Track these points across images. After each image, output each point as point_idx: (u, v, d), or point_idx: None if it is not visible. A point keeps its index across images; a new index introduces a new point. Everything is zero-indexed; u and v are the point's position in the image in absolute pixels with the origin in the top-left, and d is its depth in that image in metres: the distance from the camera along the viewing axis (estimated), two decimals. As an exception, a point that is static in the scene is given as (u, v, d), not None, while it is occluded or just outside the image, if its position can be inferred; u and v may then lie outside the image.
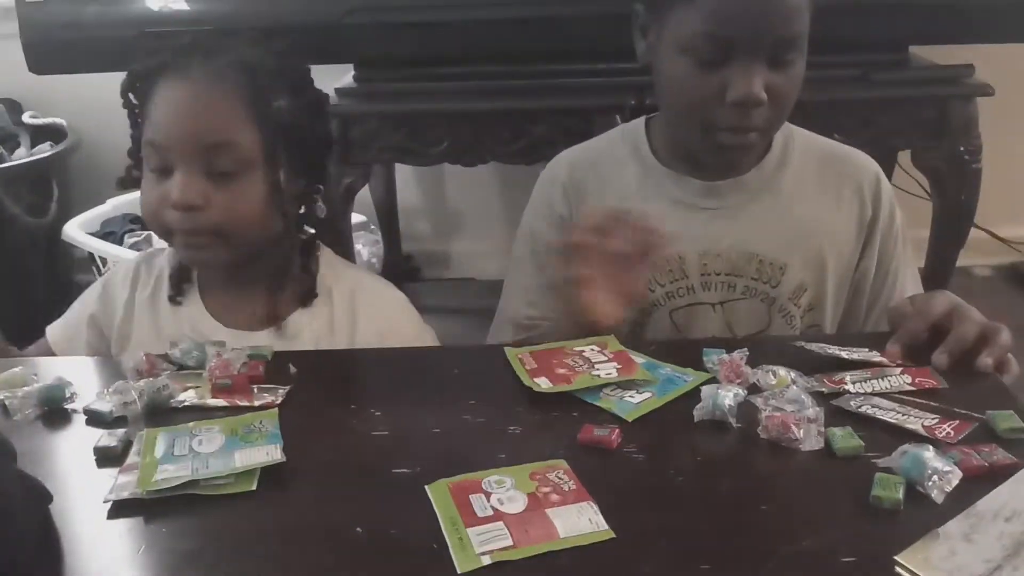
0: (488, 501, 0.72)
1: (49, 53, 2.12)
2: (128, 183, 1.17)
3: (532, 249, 1.26)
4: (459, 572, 0.65)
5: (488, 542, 0.67)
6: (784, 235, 1.17)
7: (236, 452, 0.79)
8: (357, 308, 1.17)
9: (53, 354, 1.19)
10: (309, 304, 1.16)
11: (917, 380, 0.90)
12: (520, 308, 1.25)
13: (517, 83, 2.09)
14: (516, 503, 0.72)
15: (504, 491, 0.74)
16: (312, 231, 1.19)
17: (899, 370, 0.92)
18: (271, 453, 0.78)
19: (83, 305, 1.23)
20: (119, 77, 1.12)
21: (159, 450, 0.80)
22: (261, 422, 0.84)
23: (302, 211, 1.17)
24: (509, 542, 0.67)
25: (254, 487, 0.75)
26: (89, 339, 1.20)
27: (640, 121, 1.26)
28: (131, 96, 1.12)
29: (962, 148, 2.05)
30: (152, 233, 1.73)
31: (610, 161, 1.24)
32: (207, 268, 1.17)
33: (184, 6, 2.08)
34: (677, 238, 1.13)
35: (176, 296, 1.17)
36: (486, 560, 0.66)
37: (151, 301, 1.19)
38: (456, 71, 2.10)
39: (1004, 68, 2.11)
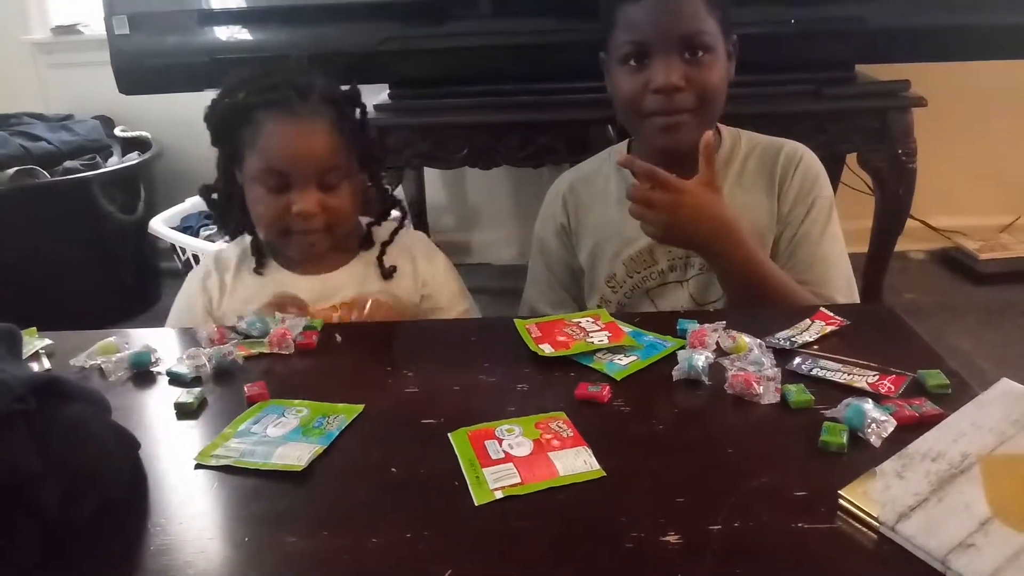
0: (500, 446, 0.73)
1: (136, 77, 2.13)
2: (211, 191, 1.21)
3: (541, 251, 1.32)
4: (476, 503, 0.65)
5: (500, 480, 0.68)
6: None
7: (285, 446, 0.74)
8: (416, 259, 1.25)
9: None
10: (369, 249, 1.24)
11: (828, 323, 0.94)
12: (538, 300, 1.31)
13: (525, 99, 2.09)
14: (524, 448, 0.72)
15: (514, 438, 0.74)
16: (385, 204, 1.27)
17: (817, 321, 0.95)
18: (302, 456, 0.72)
19: (189, 298, 1.23)
20: (195, 95, 1.13)
21: (247, 423, 0.79)
22: (334, 418, 0.79)
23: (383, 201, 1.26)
24: (518, 480, 0.68)
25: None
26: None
27: (624, 144, 1.31)
28: (218, 124, 1.15)
29: (900, 151, 2.04)
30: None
31: (600, 178, 1.29)
32: (310, 257, 1.20)
33: (248, 36, 2.08)
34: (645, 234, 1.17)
35: (259, 269, 1.22)
36: (499, 495, 0.66)
37: (236, 278, 1.22)
38: (474, 89, 2.10)
39: (935, 83, 2.09)
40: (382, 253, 1.23)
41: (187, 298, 1.23)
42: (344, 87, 1.18)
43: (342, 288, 1.18)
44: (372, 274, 1.22)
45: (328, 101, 1.14)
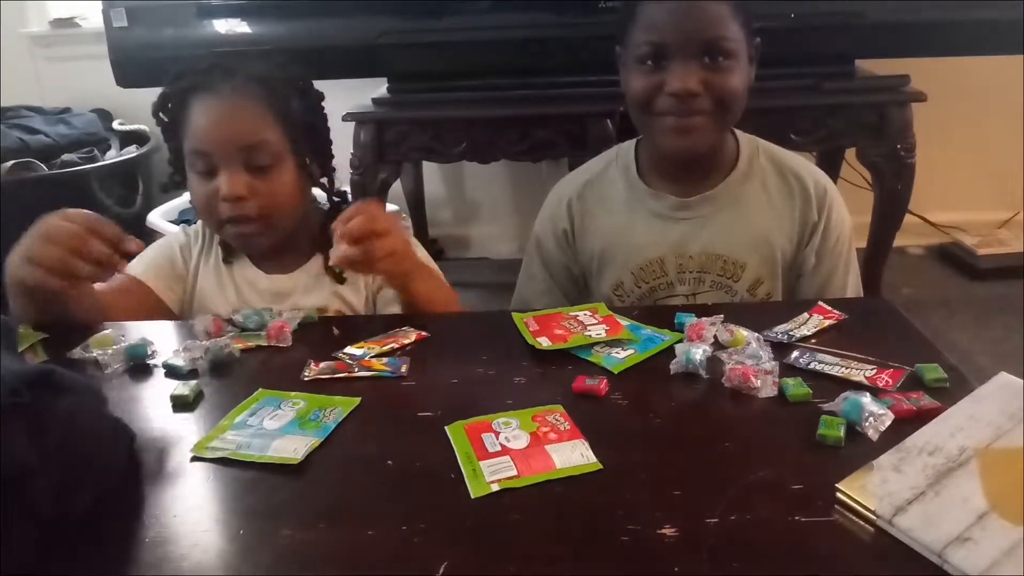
0: (497, 439, 0.72)
1: (134, 70, 2.12)
2: (170, 187, 1.19)
3: (539, 252, 1.30)
4: (472, 496, 0.65)
5: (497, 472, 0.67)
6: (744, 239, 1.17)
7: (282, 439, 0.74)
8: None
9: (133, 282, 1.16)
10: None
11: (826, 317, 0.94)
12: (536, 300, 1.28)
13: (523, 93, 2.09)
14: (520, 440, 0.72)
15: (510, 430, 0.74)
16: (337, 200, 1.23)
17: (815, 315, 0.95)
18: (299, 449, 0.72)
19: (167, 250, 1.21)
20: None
21: (243, 415, 0.78)
22: (331, 411, 0.79)
23: (329, 190, 1.21)
24: (514, 472, 0.67)
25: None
26: (166, 275, 1.19)
27: (631, 144, 1.27)
28: (162, 115, 1.14)
29: (899, 146, 2.04)
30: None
31: (605, 182, 1.26)
32: (254, 251, 1.18)
33: (246, 29, 2.08)
34: (657, 244, 1.19)
35: (228, 258, 1.20)
36: (495, 487, 0.66)
37: (207, 263, 1.20)
38: (472, 83, 2.10)
39: (935, 78, 2.09)
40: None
41: (168, 250, 1.21)
42: (292, 74, 1.15)
43: (294, 290, 1.17)
44: (325, 276, 1.18)
45: (259, 81, 1.10)
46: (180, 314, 1.17)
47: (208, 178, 1.09)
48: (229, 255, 1.19)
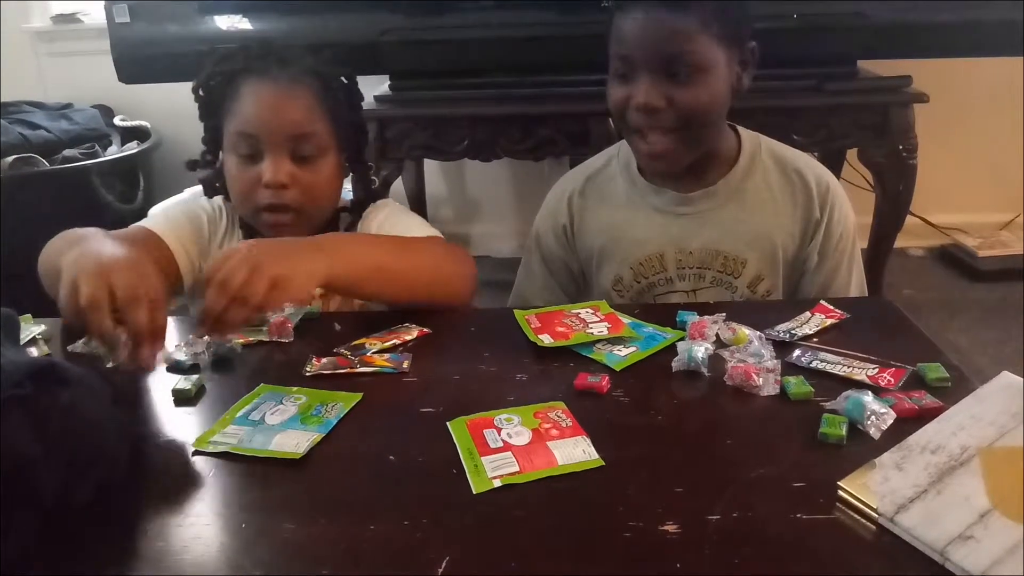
0: (499, 435, 0.72)
1: (135, 66, 2.12)
2: (199, 165, 1.18)
3: (539, 247, 1.29)
4: (474, 492, 0.65)
5: (499, 468, 0.67)
6: (745, 236, 1.17)
7: (283, 433, 0.74)
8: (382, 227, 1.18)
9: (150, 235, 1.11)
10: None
11: (828, 316, 0.94)
12: (535, 297, 1.28)
13: (525, 91, 2.09)
14: (522, 437, 0.72)
15: (512, 427, 0.74)
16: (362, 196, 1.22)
17: (817, 314, 0.95)
18: (300, 444, 0.72)
19: (193, 213, 1.18)
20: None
21: (245, 409, 0.79)
22: (333, 406, 0.79)
23: (364, 188, 1.21)
24: (516, 468, 0.67)
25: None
26: (187, 238, 1.15)
27: None
28: (203, 92, 1.13)
29: (901, 147, 2.04)
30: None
31: (606, 178, 1.26)
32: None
33: (248, 25, 2.07)
34: (657, 239, 1.19)
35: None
36: (497, 483, 0.66)
37: (225, 238, 1.19)
38: (474, 81, 2.09)
39: (937, 79, 2.09)
40: None
41: (194, 214, 1.17)
42: (344, 71, 1.16)
43: None
44: None
45: (311, 73, 1.11)
46: (183, 288, 1.14)
47: (250, 162, 1.08)
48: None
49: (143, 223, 1.14)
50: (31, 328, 0.97)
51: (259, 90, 1.09)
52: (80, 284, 0.78)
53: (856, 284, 1.20)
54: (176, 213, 1.17)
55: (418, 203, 2.83)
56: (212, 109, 1.14)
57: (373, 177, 1.24)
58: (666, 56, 1.06)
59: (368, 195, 1.22)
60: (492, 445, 0.71)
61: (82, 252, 0.83)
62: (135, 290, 0.78)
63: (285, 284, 0.84)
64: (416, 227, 1.17)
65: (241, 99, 1.09)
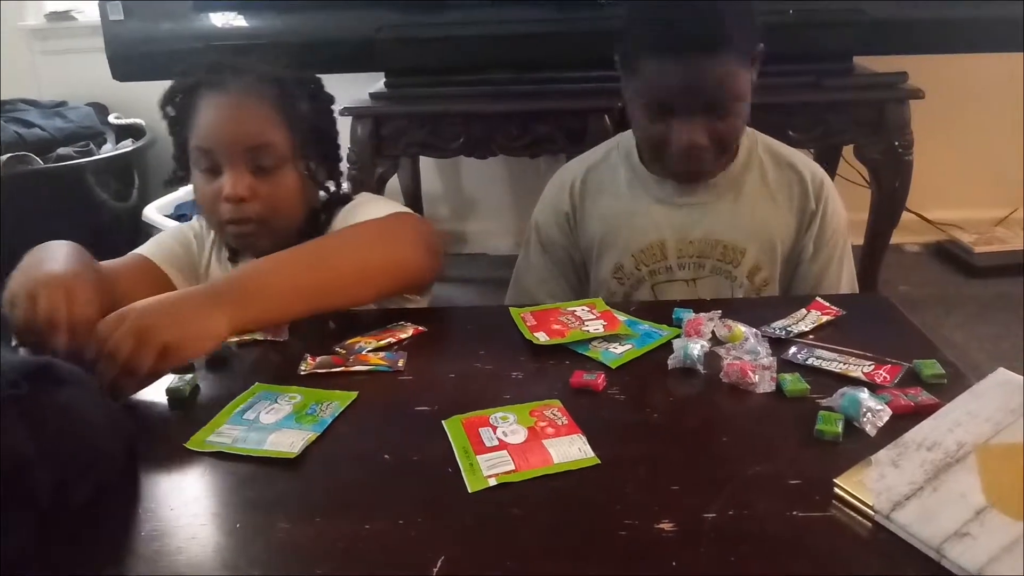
0: (495, 433, 0.72)
1: (130, 64, 2.12)
2: (173, 182, 1.18)
3: (540, 239, 1.29)
4: (470, 491, 0.65)
5: (494, 467, 0.67)
6: (744, 226, 1.19)
7: (278, 432, 0.74)
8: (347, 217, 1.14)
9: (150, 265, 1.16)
10: None
11: (824, 313, 0.94)
12: (537, 289, 1.28)
13: (522, 88, 2.08)
14: (518, 435, 0.72)
15: (508, 425, 0.73)
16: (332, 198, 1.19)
17: (813, 311, 0.95)
18: (295, 443, 0.71)
19: (183, 237, 1.21)
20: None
21: (240, 408, 0.78)
22: (328, 405, 0.78)
23: (331, 192, 1.18)
24: (511, 467, 0.67)
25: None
26: (180, 263, 1.19)
27: (631, 132, 1.26)
28: (169, 109, 1.13)
29: (897, 143, 2.04)
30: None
31: (607, 168, 1.27)
32: (253, 251, 1.14)
33: (243, 23, 2.07)
34: (659, 228, 1.20)
35: (233, 256, 1.18)
36: (492, 482, 0.66)
37: (218, 259, 1.20)
38: (471, 78, 2.09)
39: (933, 75, 2.09)
40: None
41: (184, 237, 1.21)
42: (304, 75, 1.14)
43: None
44: None
45: (269, 82, 1.09)
46: None
47: (212, 176, 1.08)
48: (234, 253, 1.18)
49: (138, 251, 1.18)
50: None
51: (214, 103, 1.08)
52: (15, 304, 0.84)
53: (847, 282, 1.21)
54: (166, 241, 1.20)
55: (414, 200, 2.83)
56: (178, 125, 1.13)
57: (344, 183, 1.20)
58: (710, 99, 1.08)
59: (338, 197, 1.19)
60: (488, 443, 0.71)
61: (21, 269, 0.88)
62: (56, 313, 0.83)
63: (176, 351, 0.79)
64: (374, 210, 1.11)
65: (199, 114, 1.08)
